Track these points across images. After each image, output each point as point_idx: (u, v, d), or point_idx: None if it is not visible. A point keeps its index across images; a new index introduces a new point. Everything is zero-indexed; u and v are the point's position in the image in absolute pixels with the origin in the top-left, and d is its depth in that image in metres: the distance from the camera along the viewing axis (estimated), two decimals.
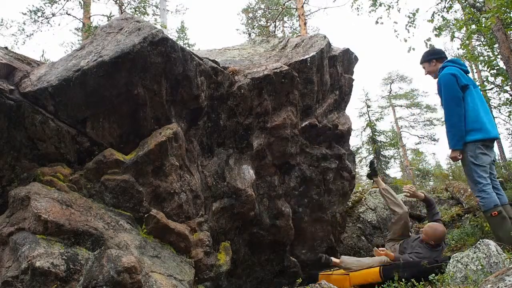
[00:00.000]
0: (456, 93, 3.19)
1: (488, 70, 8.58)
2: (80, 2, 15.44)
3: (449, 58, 3.67)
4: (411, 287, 3.19)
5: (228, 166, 4.27)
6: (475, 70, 22.60)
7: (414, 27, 10.05)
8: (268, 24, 21.18)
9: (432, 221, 4.55)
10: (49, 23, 15.03)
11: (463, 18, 9.04)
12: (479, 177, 3.14)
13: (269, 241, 4.70)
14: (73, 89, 3.16)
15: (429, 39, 8.25)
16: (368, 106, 23.47)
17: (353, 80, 6.04)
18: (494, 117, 18.46)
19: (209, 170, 4.12)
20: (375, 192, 7.25)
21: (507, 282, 1.79)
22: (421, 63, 3.87)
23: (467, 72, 3.52)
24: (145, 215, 3.31)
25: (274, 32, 21.25)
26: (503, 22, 7.46)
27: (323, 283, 3.90)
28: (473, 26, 7.87)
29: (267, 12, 21.17)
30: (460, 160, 3.43)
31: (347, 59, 5.84)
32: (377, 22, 10.69)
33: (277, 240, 4.77)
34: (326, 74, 5.28)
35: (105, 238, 2.88)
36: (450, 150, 3.42)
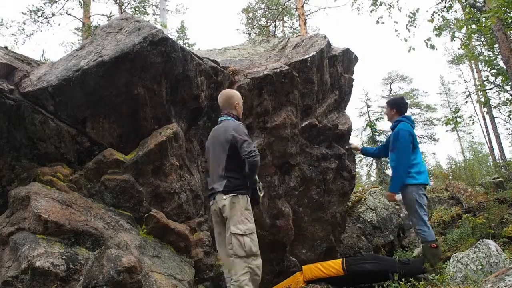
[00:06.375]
0: (409, 149, 4.04)
1: (488, 69, 8.57)
2: (80, 2, 15.40)
3: (405, 115, 4.38)
4: (411, 287, 3.20)
5: None
6: (475, 70, 22.61)
7: (415, 26, 9.99)
8: (268, 24, 21.15)
9: None
10: (49, 23, 14.98)
11: (463, 18, 9.02)
12: (423, 214, 3.90)
13: (269, 241, 4.69)
14: (73, 89, 3.16)
15: (429, 39, 8.20)
16: (368, 106, 23.41)
17: (353, 80, 6.04)
18: (494, 117, 18.54)
19: None
20: (375, 192, 7.25)
21: (507, 282, 1.79)
22: (387, 104, 4.53)
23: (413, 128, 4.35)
24: (145, 215, 3.31)
25: (274, 32, 21.21)
26: (503, 22, 7.43)
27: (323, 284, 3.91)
28: (473, 26, 7.84)
29: (267, 12, 21.13)
30: (402, 200, 4.33)
31: (347, 59, 5.84)
32: (377, 22, 10.62)
33: (277, 240, 4.76)
34: (326, 74, 5.27)
35: (105, 238, 2.88)
36: (388, 192, 4.35)
